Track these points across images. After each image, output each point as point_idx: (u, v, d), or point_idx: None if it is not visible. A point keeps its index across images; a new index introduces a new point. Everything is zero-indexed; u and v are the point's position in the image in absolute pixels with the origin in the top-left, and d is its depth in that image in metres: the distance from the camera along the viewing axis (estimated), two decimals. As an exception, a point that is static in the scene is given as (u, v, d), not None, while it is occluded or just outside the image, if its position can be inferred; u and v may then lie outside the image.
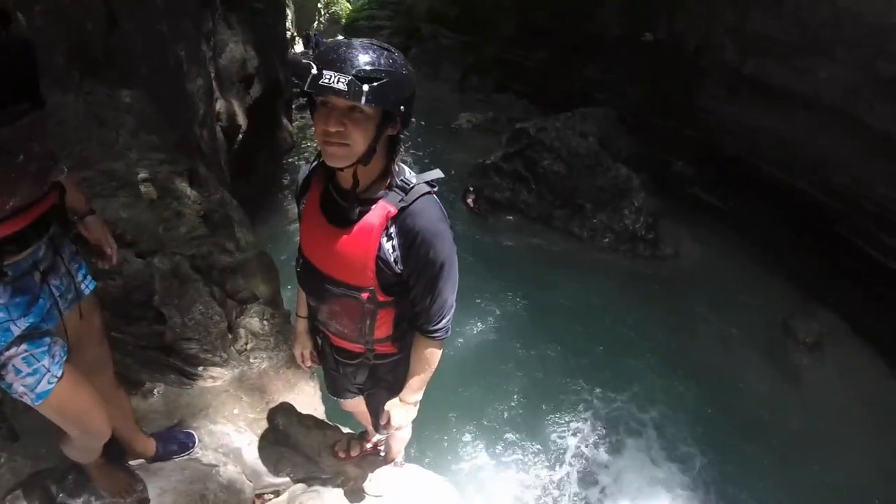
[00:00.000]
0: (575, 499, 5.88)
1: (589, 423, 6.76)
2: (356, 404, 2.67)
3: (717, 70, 12.58)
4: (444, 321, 1.98)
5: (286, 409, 3.07)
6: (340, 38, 30.89)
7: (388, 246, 1.80)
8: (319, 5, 36.34)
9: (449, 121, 17.51)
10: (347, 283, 1.88)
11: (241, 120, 7.56)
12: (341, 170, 1.73)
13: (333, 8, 37.37)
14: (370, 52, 1.58)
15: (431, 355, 2.03)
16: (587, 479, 6.12)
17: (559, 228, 11.21)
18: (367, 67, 1.53)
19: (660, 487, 6.07)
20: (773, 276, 10.80)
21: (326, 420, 3.44)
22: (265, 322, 3.74)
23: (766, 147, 11.81)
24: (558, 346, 7.79)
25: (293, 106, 12.93)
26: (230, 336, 3.43)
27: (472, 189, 12.03)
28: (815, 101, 10.72)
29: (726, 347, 8.59)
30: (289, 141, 10.43)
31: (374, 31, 26.54)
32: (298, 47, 27.80)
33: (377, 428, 2.39)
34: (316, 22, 35.64)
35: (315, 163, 2.00)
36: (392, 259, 1.82)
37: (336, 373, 2.39)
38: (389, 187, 1.81)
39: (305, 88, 1.53)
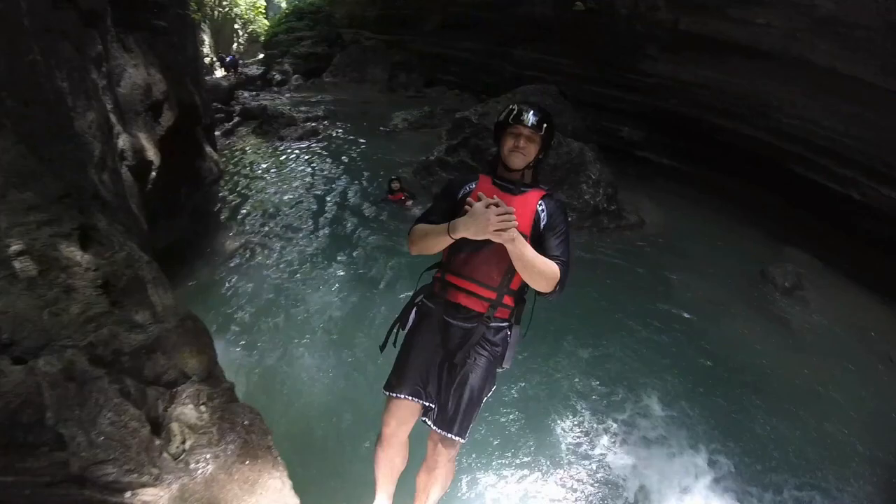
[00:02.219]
0: (567, 456, 5.14)
1: (580, 399, 5.90)
2: (407, 412, 2.80)
3: (653, 31, 12.12)
4: (567, 269, 2.58)
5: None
6: (261, 55, 30.00)
7: (539, 209, 2.68)
8: (237, 26, 35.09)
9: (383, 122, 16.47)
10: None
11: (152, 155, 6.50)
12: (513, 170, 2.72)
13: (251, 27, 36.12)
14: (540, 108, 2.75)
15: (548, 269, 2.50)
16: (581, 445, 5.33)
17: (518, 215, 10.40)
18: (543, 115, 2.69)
19: (653, 445, 5.43)
20: (740, 227, 10.47)
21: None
22: (203, 407, 2.88)
23: (710, 100, 11.49)
24: (533, 332, 6.96)
25: (216, 132, 11.91)
26: (158, 441, 2.55)
27: (395, 178, 10.82)
28: (754, 49, 10.45)
29: (709, 306, 8.07)
30: (215, 170, 9.26)
31: (294, 43, 25.49)
32: (219, 73, 26.69)
33: (443, 413, 2.73)
34: (235, 44, 34.38)
35: (475, 174, 2.91)
36: (542, 218, 2.66)
37: (430, 347, 2.79)
38: (535, 182, 2.82)
39: (510, 120, 2.66)
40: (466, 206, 2.43)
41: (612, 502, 4.78)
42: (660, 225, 10.51)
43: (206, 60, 28.21)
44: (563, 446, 5.27)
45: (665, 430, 5.63)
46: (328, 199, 10.89)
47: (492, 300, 2.69)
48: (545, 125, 2.67)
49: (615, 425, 5.60)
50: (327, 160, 13.38)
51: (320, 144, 14.65)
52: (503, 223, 2.31)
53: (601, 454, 5.24)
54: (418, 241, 2.68)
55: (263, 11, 36.47)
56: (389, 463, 2.86)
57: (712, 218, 10.70)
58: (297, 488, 2.78)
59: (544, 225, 2.65)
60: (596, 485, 4.91)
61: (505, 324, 2.81)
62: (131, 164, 6.12)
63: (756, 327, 7.69)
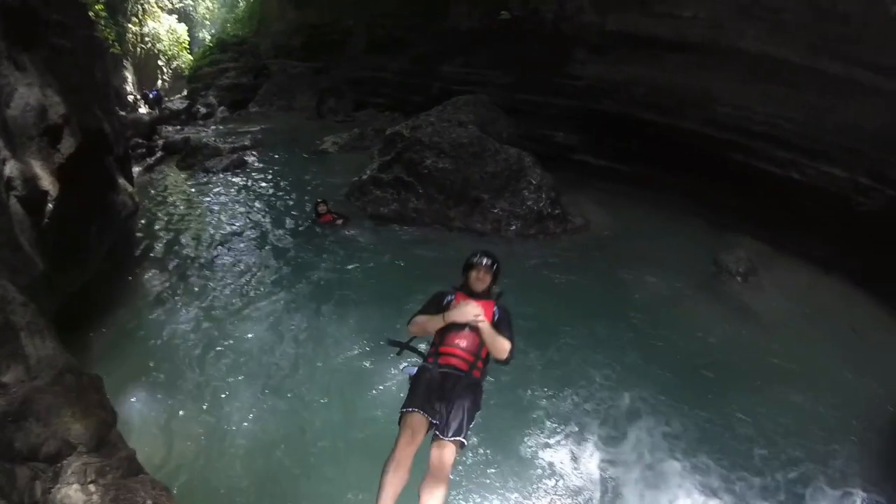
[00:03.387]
0: (530, 467, 4.88)
1: (541, 401, 5.62)
2: (419, 424, 3.62)
3: (581, 34, 11.81)
4: (513, 345, 3.85)
5: None
6: (185, 91, 28.84)
7: (495, 310, 4.01)
8: (160, 63, 33.81)
9: (313, 147, 15.65)
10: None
11: (48, 184, 5.54)
12: (476, 291, 4.07)
13: (175, 63, 34.88)
14: (492, 255, 4.16)
15: (503, 345, 3.77)
16: (554, 445, 5.11)
17: (460, 228, 9.74)
18: (493, 259, 4.13)
19: (629, 440, 5.25)
20: (686, 221, 10.16)
21: None
22: (92, 486, 2.12)
23: (642, 97, 11.20)
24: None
25: (136, 165, 10.81)
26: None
27: (320, 200, 10.08)
28: (683, 42, 10.25)
29: (667, 298, 7.81)
30: (130, 204, 8.14)
31: (218, 75, 24.52)
32: (144, 109, 25.51)
33: (446, 427, 3.59)
34: (160, 81, 33.09)
35: (454, 289, 4.22)
36: (496, 315, 3.99)
37: (435, 383, 3.81)
38: (489, 295, 4.14)
39: (475, 262, 4.09)
40: (453, 305, 3.96)
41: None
42: (606, 225, 10.10)
43: (130, 98, 27.07)
44: (524, 456, 4.97)
45: (633, 423, 5.42)
46: (258, 229, 9.98)
47: (470, 361, 3.93)
48: (495, 266, 4.17)
49: (580, 426, 5.31)
50: (256, 189, 12.49)
51: (248, 173, 13.71)
52: (477, 312, 3.81)
53: (567, 458, 4.98)
54: (420, 325, 4.03)
55: (187, 46, 35.32)
56: (395, 479, 3.34)
57: (657, 214, 10.39)
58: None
59: (497, 319, 4.01)
60: (565, 492, 4.67)
61: (478, 381, 3.99)
62: (21, 195, 5.18)
63: (717, 314, 7.55)
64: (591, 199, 10.90)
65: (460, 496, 4.48)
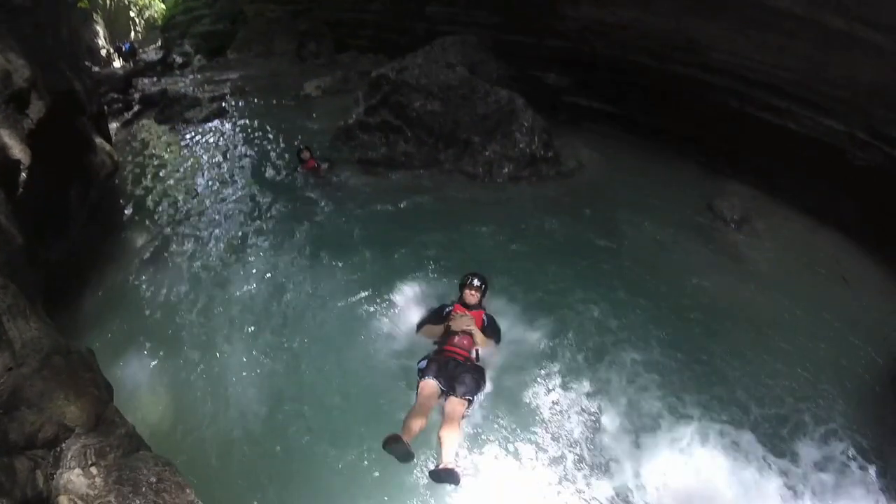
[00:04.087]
0: (527, 393, 5.19)
1: (535, 348, 5.69)
2: (433, 388, 4.56)
3: (572, -27, 11.21)
4: (498, 342, 5.23)
5: None
6: (159, 41, 27.78)
7: (484, 317, 5.20)
8: (132, 14, 32.56)
9: (295, 92, 15.06)
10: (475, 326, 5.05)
11: (19, 152, 5.22)
12: (470, 304, 5.22)
13: (148, 13, 33.61)
14: (481, 276, 5.35)
15: (489, 344, 5.09)
16: (540, 379, 5.32)
17: (451, 171, 9.49)
18: (482, 280, 5.34)
19: (612, 373, 5.43)
20: (681, 165, 9.95)
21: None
22: (94, 469, 2.05)
23: (636, 41, 10.73)
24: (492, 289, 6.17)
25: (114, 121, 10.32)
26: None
27: (303, 146, 9.72)
28: None
29: (659, 243, 7.73)
30: (108, 163, 7.80)
31: (193, 22, 23.59)
32: (118, 63, 24.65)
33: (454, 390, 4.55)
34: (133, 32, 31.93)
35: (451, 303, 5.30)
36: (485, 321, 5.18)
37: (442, 366, 4.73)
38: (480, 306, 5.30)
39: (467, 283, 5.30)
40: (452, 315, 5.07)
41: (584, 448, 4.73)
42: (599, 168, 9.89)
43: (103, 52, 26.14)
44: (514, 393, 5.18)
45: (618, 357, 5.59)
46: (242, 178, 9.71)
47: (466, 356, 4.93)
48: (483, 286, 5.32)
49: (565, 361, 5.51)
50: (238, 138, 12.12)
51: (229, 122, 13.28)
52: (470, 322, 4.99)
53: (551, 392, 5.21)
54: (425, 332, 5.26)
55: (159, -6, 33.94)
56: (416, 416, 4.33)
57: (650, 158, 10.17)
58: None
59: (486, 325, 5.16)
60: (550, 424, 4.90)
61: (476, 366, 4.94)
62: (-10, 166, 4.87)
63: (709, 260, 7.51)
64: (584, 142, 10.65)
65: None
